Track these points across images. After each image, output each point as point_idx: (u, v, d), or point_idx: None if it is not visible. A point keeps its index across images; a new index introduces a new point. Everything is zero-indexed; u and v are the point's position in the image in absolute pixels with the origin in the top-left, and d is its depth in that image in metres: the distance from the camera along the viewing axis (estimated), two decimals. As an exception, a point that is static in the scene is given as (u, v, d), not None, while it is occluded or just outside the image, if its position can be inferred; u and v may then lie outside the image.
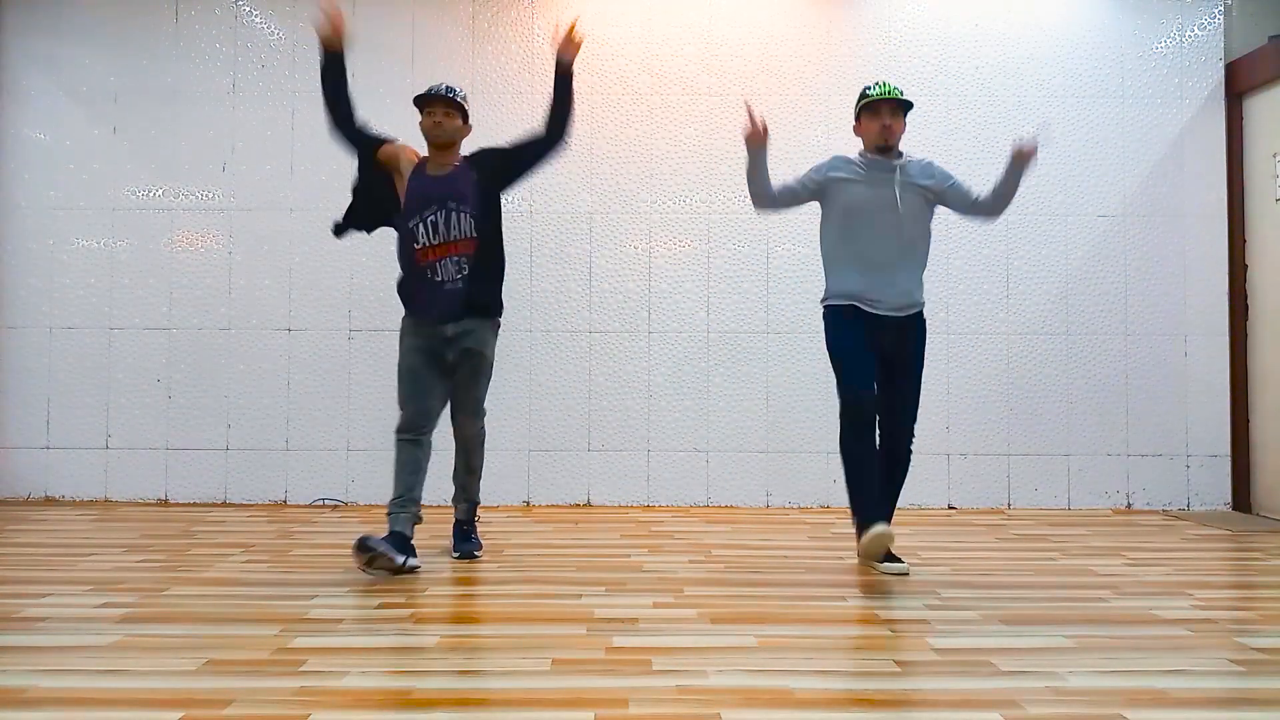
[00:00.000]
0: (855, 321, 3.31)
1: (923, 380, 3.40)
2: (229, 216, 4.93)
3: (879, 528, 3.13)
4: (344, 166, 4.91)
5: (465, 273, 3.35)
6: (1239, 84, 4.89)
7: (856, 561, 3.47)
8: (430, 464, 3.42)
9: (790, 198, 3.45)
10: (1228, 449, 4.88)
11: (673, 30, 4.97)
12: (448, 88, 3.44)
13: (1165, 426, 4.89)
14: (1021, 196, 4.89)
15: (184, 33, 4.96)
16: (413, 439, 3.36)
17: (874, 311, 3.29)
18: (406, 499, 3.30)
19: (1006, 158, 3.33)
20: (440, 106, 3.41)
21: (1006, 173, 3.34)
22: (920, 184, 3.34)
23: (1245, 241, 4.88)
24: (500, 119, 4.92)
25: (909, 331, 3.34)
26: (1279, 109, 4.69)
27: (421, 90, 3.55)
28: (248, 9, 4.96)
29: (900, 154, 3.37)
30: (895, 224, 3.29)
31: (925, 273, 3.42)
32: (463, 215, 3.35)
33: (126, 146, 4.94)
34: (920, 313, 3.38)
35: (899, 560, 3.32)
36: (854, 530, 3.31)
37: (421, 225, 3.35)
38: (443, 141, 3.41)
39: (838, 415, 3.31)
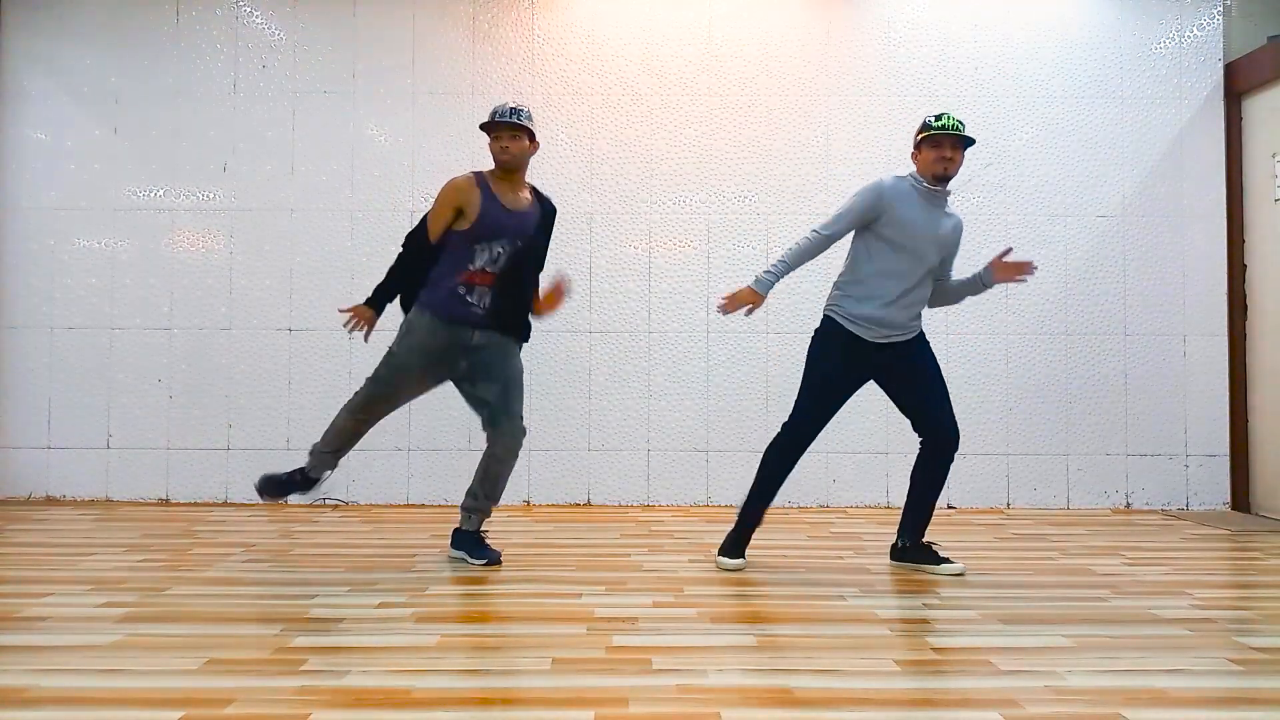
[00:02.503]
0: (850, 353, 3.30)
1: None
2: (230, 217, 4.94)
3: (739, 562, 3.40)
4: (344, 166, 4.94)
5: (491, 297, 3.34)
6: (1238, 84, 4.90)
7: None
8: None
9: (840, 232, 3.42)
10: (1227, 449, 4.88)
11: (673, 31, 4.97)
12: (512, 109, 3.33)
13: (1164, 426, 4.90)
14: (1021, 197, 4.95)
15: (185, 33, 4.96)
16: (365, 421, 3.51)
17: (875, 341, 3.28)
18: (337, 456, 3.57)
19: (988, 262, 3.36)
20: (507, 131, 3.33)
21: (975, 277, 3.37)
22: (951, 229, 3.34)
23: (1244, 241, 4.89)
24: (500, 119, 4.93)
25: (913, 344, 3.34)
26: (1278, 109, 4.70)
27: (485, 117, 3.43)
28: (248, 9, 4.97)
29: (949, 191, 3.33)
30: (931, 254, 3.28)
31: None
32: (525, 255, 3.38)
33: (127, 147, 4.95)
34: (920, 332, 3.40)
35: (952, 561, 3.34)
36: (730, 532, 3.45)
37: (486, 251, 3.31)
38: (512, 166, 3.37)
39: (782, 424, 3.38)
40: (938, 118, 3.27)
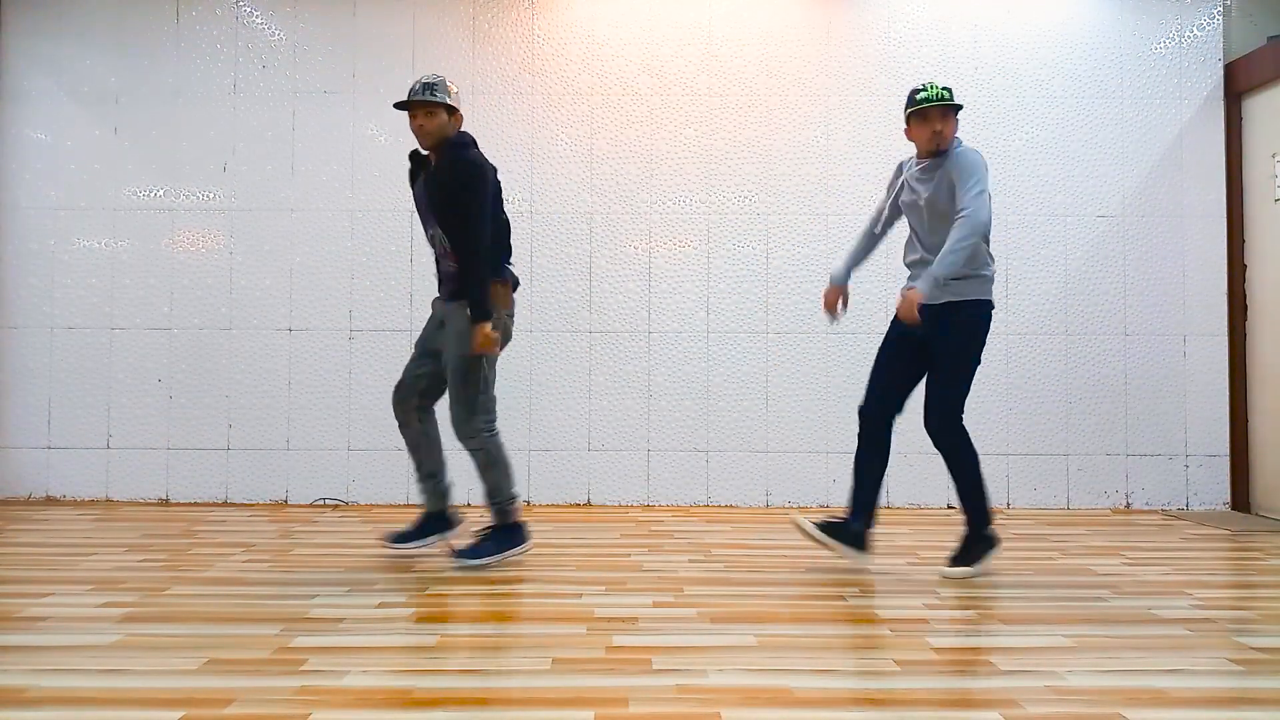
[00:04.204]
0: (894, 325, 3.37)
1: (955, 374, 3.27)
2: (230, 217, 4.94)
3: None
4: (344, 166, 4.94)
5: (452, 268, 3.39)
6: (1238, 84, 4.90)
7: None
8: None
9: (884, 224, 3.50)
10: (1226, 449, 4.88)
11: (673, 31, 4.97)
12: (423, 85, 3.30)
13: (1164, 426, 4.90)
14: (1021, 197, 4.95)
15: (185, 33, 4.96)
16: (398, 421, 3.52)
17: None
18: (418, 476, 3.59)
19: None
20: (421, 109, 3.31)
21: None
22: (945, 180, 3.26)
23: (1244, 241, 4.89)
24: (501, 119, 4.93)
25: (940, 321, 3.23)
26: (1278, 109, 4.70)
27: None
28: (248, 9, 4.97)
29: (957, 143, 3.27)
30: (928, 228, 3.29)
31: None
32: (444, 228, 3.36)
33: (127, 147, 4.95)
34: (955, 303, 3.23)
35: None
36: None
37: (428, 234, 3.48)
38: (429, 144, 3.35)
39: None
40: (921, 89, 3.25)
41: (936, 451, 3.34)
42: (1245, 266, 4.88)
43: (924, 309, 3.17)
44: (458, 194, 3.27)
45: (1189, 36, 4.97)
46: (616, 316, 4.93)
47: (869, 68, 4.96)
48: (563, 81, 4.96)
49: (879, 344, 3.47)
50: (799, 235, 4.90)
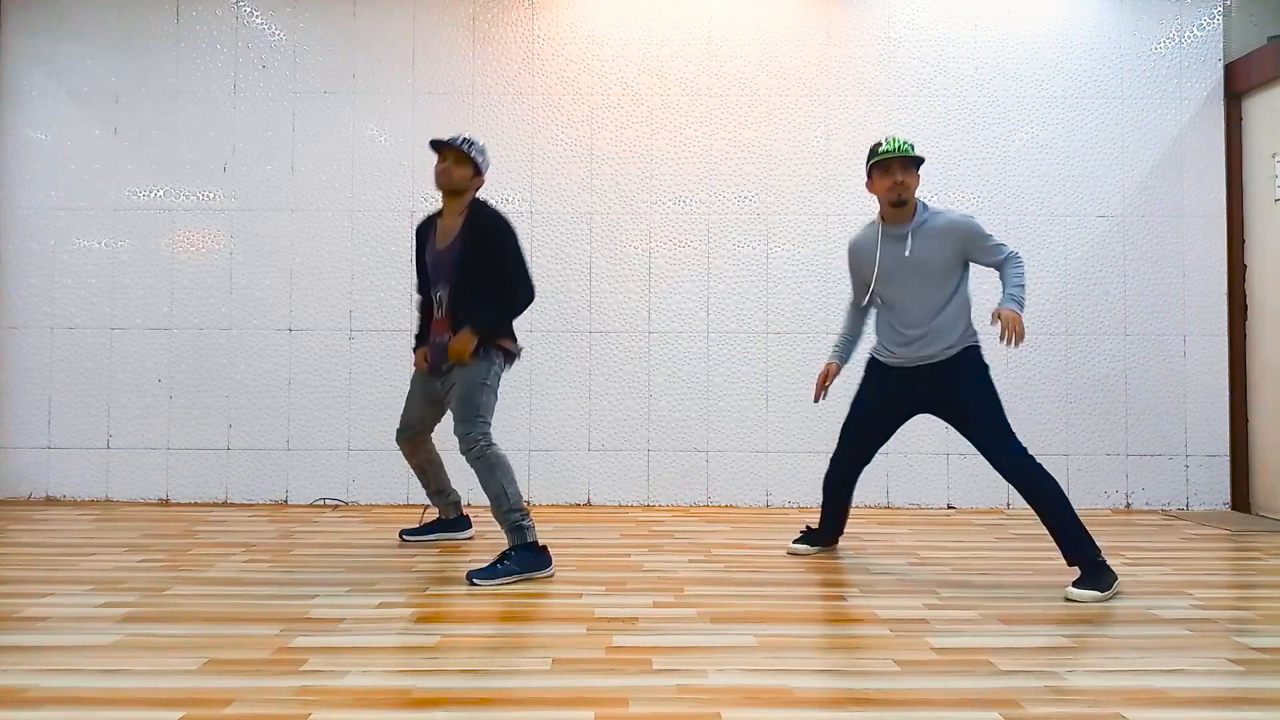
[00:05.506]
0: (876, 376, 3.42)
1: (993, 406, 3.19)
2: (230, 217, 4.94)
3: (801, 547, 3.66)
4: (344, 167, 4.94)
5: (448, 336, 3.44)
6: (1238, 84, 4.90)
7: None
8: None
9: (865, 304, 3.52)
10: (1227, 449, 4.88)
11: (673, 31, 4.97)
12: (464, 139, 3.41)
13: (1164, 426, 4.90)
14: (1021, 197, 4.95)
15: (185, 33, 4.96)
16: (405, 452, 3.78)
17: (899, 365, 3.33)
18: (428, 492, 3.86)
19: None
20: (452, 154, 3.39)
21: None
22: (947, 239, 3.25)
23: (1244, 242, 4.89)
24: (501, 119, 4.93)
25: (950, 373, 3.25)
26: (1278, 109, 4.70)
27: (438, 137, 3.63)
28: (249, 9, 4.97)
29: (922, 205, 3.31)
30: (916, 290, 3.28)
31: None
32: (460, 292, 3.40)
33: (127, 147, 4.95)
34: (958, 354, 3.26)
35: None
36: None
37: (437, 296, 3.48)
38: (448, 188, 3.42)
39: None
40: (882, 142, 3.30)
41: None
42: (1245, 267, 4.89)
43: (926, 369, 3.29)
44: (488, 244, 3.36)
45: (1189, 36, 4.97)
46: (616, 316, 4.93)
47: (869, 68, 4.96)
48: (563, 81, 4.96)
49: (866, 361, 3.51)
50: (799, 235, 4.90)
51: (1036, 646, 2.45)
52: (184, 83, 4.96)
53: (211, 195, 4.94)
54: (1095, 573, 3.00)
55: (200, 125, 4.95)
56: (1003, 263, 3.23)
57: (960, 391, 3.24)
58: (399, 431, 3.70)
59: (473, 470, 3.30)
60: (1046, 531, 4.06)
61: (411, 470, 3.95)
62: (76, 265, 4.92)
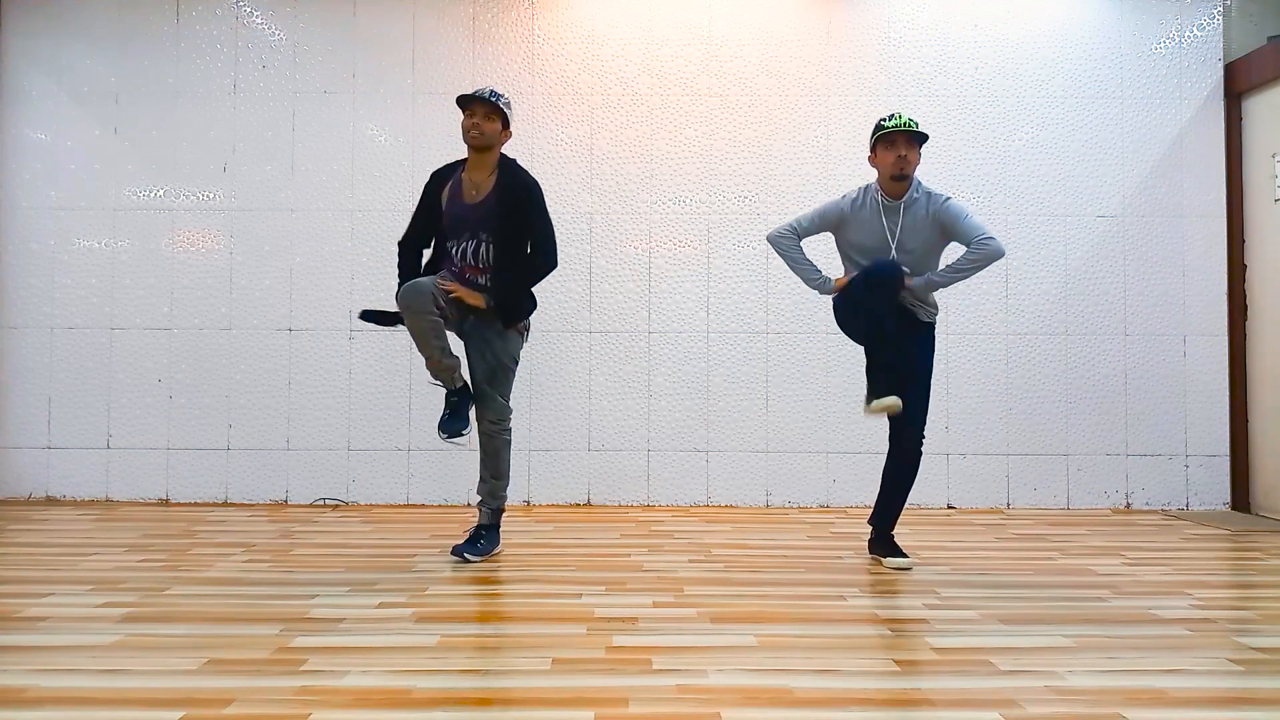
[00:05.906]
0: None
1: (928, 390, 3.47)
2: (230, 217, 4.94)
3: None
4: (344, 166, 4.94)
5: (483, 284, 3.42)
6: (1238, 84, 4.90)
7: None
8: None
9: (810, 233, 3.56)
10: (1226, 449, 4.88)
11: (673, 31, 4.97)
12: (491, 91, 3.40)
13: (1164, 426, 4.90)
14: (1021, 197, 4.95)
15: (185, 33, 4.96)
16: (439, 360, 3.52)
17: None
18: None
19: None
20: (481, 109, 3.37)
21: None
22: (930, 222, 3.34)
23: (1244, 241, 4.89)
24: (500, 119, 4.93)
25: (922, 339, 3.43)
26: (1278, 109, 4.70)
27: (465, 91, 3.57)
28: (249, 9, 4.97)
29: (916, 183, 3.37)
30: (905, 262, 3.35)
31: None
32: (490, 247, 3.39)
33: (127, 147, 4.95)
34: (931, 324, 3.47)
35: (904, 555, 3.43)
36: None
37: (458, 249, 3.42)
38: (480, 145, 3.39)
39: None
40: (890, 117, 3.37)
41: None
42: (1245, 266, 4.89)
43: (917, 324, 3.37)
44: (529, 203, 3.39)
45: (1189, 36, 4.97)
46: (616, 316, 4.93)
47: (869, 68, 4.96)
48: (563, 81, 4.96)
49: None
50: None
51: (1036, 646, 2.45)
52: (184, 83, 4.96)
53: (211, 195, 4.94)
54: (890, 541, 3.47)
55: (200, 125, 4.95)
56: (969, 243, 3.32)
57: (923, 362, 3.42)
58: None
59: (486, 445, 3.47)
60: (1047, 531, 4.05)
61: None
62: (76, 265, 4.92)
